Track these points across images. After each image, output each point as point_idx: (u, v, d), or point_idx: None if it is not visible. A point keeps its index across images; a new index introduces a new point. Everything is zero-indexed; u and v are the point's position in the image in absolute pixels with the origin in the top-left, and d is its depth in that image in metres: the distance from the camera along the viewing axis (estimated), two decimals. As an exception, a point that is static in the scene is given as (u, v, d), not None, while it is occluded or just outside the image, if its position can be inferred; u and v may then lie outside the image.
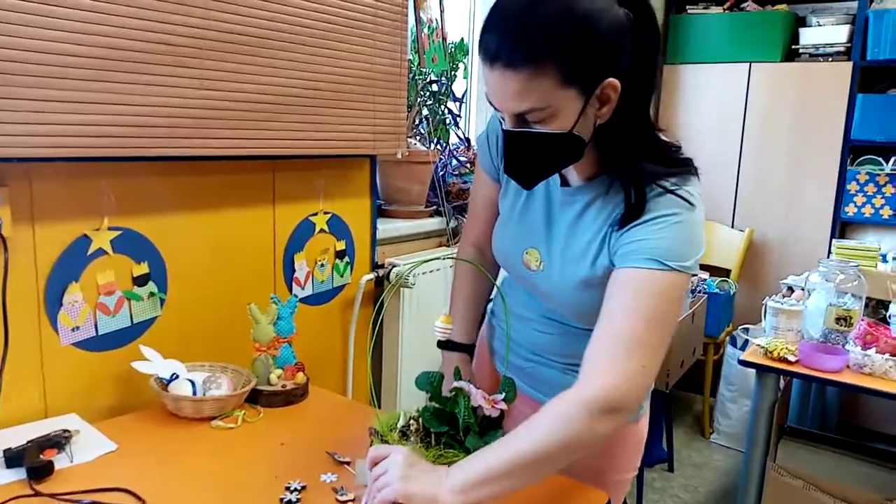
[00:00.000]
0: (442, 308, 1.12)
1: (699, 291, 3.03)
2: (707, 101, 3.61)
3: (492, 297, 1.39)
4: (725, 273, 3.49)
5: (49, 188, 1.27)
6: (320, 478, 1.11)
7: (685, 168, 1.02)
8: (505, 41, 0.90)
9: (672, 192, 0.98)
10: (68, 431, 1.18)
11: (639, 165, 0.99)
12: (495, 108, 0.97)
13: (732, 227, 3.59)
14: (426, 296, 2.07)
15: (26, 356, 1.28)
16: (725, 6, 3.52)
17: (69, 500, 0.99)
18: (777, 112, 3.43)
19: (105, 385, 1.40)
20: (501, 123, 0.98)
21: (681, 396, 3.68)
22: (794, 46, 3.38)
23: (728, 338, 3.26)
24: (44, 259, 1.28)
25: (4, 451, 1.10)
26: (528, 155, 0.98)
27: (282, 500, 1.04)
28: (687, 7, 3.64)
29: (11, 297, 1.23)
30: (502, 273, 1.31)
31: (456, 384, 1.06)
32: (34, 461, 1.08)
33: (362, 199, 1.95)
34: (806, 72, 3.34)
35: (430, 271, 2.08)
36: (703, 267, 3.41)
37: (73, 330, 1.33)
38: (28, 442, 1.13)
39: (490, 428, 1.03)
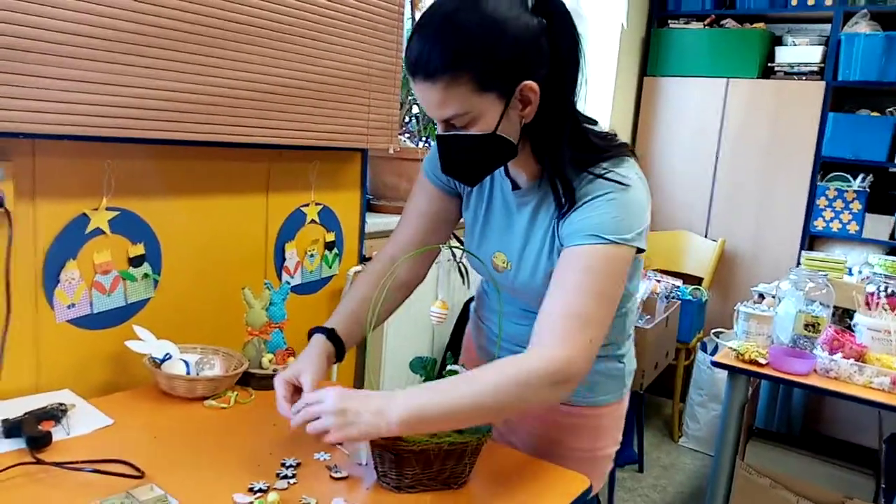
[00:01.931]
0: (429, 297, 1.17)
1: (672, 297, 3.12)
2: (685, 114, 3.72)
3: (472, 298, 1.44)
4: (698, 281, 3.59)
5: (51, 166, 1.29)
6: (314, 456, 1.14)
7: (618, 153, 1.09)
8: (423, 54, 0.97)
9: (601, 176, 1.05)
10: (64, 405, 1.20)
11: (560, 157, 1.05)
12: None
13: (706, 236, 3.69)
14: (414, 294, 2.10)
15: (22, 331, 1.29)
16: (706, 22, 3.63)
17: (71, 468, 1.01)
18: (752, 127, 3.54)
19: (98, 362, 1.41)
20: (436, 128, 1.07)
21: (651, 401, 3.76)
22: (770, 64, 3.50)
23: (699, 344, 3.35)
24: (43, 235, 1.30)
25: (2, 421, 1.11)
26: (459, 156, 1.06)
27: (278, 474, 1.07)
28: (668, 22, 3.74)
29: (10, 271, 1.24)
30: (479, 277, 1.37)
31: (450, 367, 1.10)
32: (33, 432, 1.09)
33: (353, 193, 1.98)
34: (780, 89, 3.46)
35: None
36: (677, 275, 3.51)
37: (68, 307, 1.34)
38: (26, 413, 1.15)
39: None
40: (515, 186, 1.17)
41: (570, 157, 1.06)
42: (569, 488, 1.12)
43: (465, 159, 1.06)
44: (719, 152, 3.64)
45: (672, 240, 3.72)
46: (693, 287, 3.38)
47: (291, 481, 1.06)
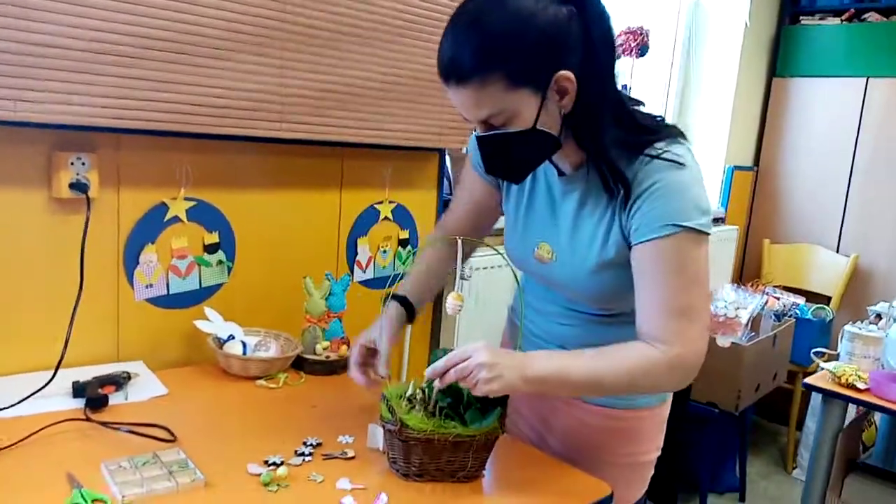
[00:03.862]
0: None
1: (788, 315, 2.89)
2: (818, 117, 3.43)
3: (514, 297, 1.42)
4: (825, 300, 3.29)
5: (135, 158, 1.43)
6: (337, 438, 1.19)
7: (668, 132, 1.05)
8: (451, 58, 0.97)
9: (657, 157, 1.02)
10: (127, 374, 1.32)
11: (603, 142, 1.02)
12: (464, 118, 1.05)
13: (837, 251, 3.38)
14: (485, 290, 2.11)
15: (105, 306, 1.44)
16: (844, 17, 3.32)
17: (112, 427, 1.13)
18: (894, 130, 3.19)
19: (171, 339, 1.54)
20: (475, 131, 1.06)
21: (765, 427, 3.49)
22: (919, 62, 3.15)
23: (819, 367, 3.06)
24: (125, 221, 1.44)
25: (73, 383, 1.25)
26: (502, 155, 1.05)
27: (296, 451, 1.12)
28: (801, 18, 3.47)
29: (95, 252, 1.38)
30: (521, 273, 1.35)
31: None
32: (93, 394, 1.22)
33: (429, 192, 2.02)
34: (930, 89, 3.10)
35: (490, 267, 2.12)
36: (800, 292, 3.23)
37: (146, 287, 1.48)
38: (94, 378, 1.28)
39: (492, 405, 1.06)
40: (560, 173, 1.14)
41: (616, 138, 1.03)
42: (585, 493, 1.09)
43: (508, 158, 1.05)
44: (855, 159, 3.32)
45: (796, 253, 3.43)
46: (817, 306, 3.11)
47: (307, 459, 1.10)
